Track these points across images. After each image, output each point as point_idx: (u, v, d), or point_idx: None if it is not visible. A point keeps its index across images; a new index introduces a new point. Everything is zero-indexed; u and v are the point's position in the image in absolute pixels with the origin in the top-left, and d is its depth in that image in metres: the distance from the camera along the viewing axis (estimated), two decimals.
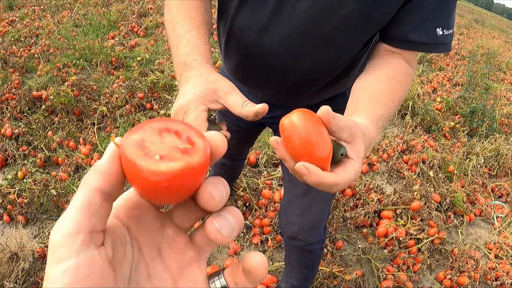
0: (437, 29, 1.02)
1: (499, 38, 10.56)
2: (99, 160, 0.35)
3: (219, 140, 0.39)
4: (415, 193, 2.95)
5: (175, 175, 0.34)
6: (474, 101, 4.68)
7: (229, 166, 2.28)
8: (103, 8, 6.34)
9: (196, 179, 0.36)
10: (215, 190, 0.37)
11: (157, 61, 4.52)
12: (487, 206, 3.32)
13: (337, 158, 0.69)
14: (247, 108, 0.80)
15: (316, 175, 0.65)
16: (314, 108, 1.08)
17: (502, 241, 2.96)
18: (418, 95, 4.65)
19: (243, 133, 1.68)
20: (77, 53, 4.57)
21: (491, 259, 2.81)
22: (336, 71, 1.22)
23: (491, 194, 3.48)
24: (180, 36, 0.96)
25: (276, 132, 1.55)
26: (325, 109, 0.67)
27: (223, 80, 0.86)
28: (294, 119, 0.65)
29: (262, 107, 0.79)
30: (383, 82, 0.97)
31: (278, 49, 1.12)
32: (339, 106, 1.17)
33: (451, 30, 1.07)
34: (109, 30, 5.59)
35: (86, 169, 3.01)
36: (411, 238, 2.74)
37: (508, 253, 2.87)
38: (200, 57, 0.91)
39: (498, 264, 2.75)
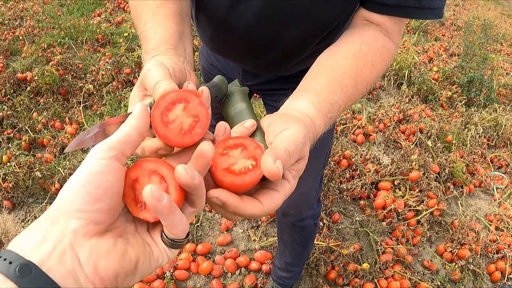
0: None
1: (495, 10, 10.40)
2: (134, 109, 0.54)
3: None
4: (414, 163, 2.86)
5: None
6: (471, 71, 4.57)
7: None
8: None
9: None
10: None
11: None
12: (487, 177, 3.25)
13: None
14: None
15: (233, 207, 0.57)
16: (297, 78, 0.95)
17: (503, 212, 2.90)
18: (414, 64, 4.54)
19: None
20: (63, 32, 4.44)
21: (492, 231, 2.75)
22: (317, 41, 1.09)
23: (491, 164, 3.41)
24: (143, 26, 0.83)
25: (264, 98, 1.46)
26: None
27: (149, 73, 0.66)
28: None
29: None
30: (348, 60, 0.82)
31: (251, 23, 1.00)
32: None
33: None
34: (95, 8, 5.44)
35: None
36: (410, 210, 2.68)
37: (509, 225, 2.81)
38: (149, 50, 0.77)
39: (499, 236, 2.70)
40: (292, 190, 0.63)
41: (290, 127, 0.64)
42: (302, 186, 1.51)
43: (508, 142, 3.71)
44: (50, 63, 3.68)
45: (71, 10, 5.20)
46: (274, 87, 1.36)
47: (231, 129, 0.67)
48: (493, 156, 3.49)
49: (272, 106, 1.43)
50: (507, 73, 5.23)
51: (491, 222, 2.86)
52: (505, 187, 3.20)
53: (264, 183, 0.62)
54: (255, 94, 1.46)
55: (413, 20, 6.41)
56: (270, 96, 1.42)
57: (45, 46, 4.20)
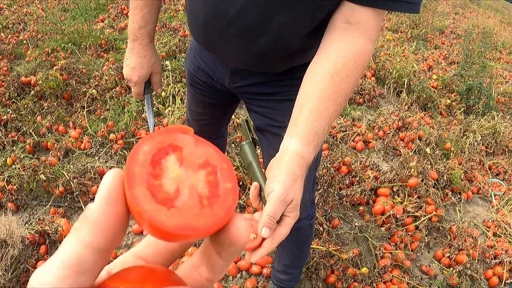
0: None
1: (494, 18, 10.45)
2: (91, 204, 0.28)
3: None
4: (412, 169, 2.90)
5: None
6: (470, 79, 4.62)
7: None
8: None
9: None
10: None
11: None
12: (485, 183, 3.29)
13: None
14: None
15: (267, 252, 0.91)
16: (286, 75, 1.28)
17: (500, 219, 2.93)
18: (414, 72, 4.58)
19: (217, 106, 1.63)
20: (66, 37, 4.48)
21: (489, 237, 2.78)
22: (306, 32, 1.14)
23: (489, 171, 3.44)
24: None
25: (249, 104, 1.49)
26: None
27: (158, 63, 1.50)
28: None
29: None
30: (325, 82, 0.95)
31: (244, 6, 1.06)
32: None
33: None
34: (98, 13, 5.49)
35: (75, 152, 2.95)
36: (408, 216, 2.71)
37: (506, 231, 2.84)
38: (146, 37, 1.42)
39: (497, 242, 2.73)
40: (296, 218, 0.92)
41: (274, 186, 0.87)
42: None
43: (506, 149, 3.75)
44: (54, 68, 3.70)
45: (74, 16, 5.24)
46: (261, 90, 1.39)
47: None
48: (491, 163, 3.52)
49: (256, 112, 1.46)
50: (506, 81, 5.28)
51: (489, 228, 2.89)
52: (503, 194, 3.23)
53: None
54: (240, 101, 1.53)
55: (414, 28, 6.47)
56: (256, 101, 1.45)
57: (49, 50, 4.23)
